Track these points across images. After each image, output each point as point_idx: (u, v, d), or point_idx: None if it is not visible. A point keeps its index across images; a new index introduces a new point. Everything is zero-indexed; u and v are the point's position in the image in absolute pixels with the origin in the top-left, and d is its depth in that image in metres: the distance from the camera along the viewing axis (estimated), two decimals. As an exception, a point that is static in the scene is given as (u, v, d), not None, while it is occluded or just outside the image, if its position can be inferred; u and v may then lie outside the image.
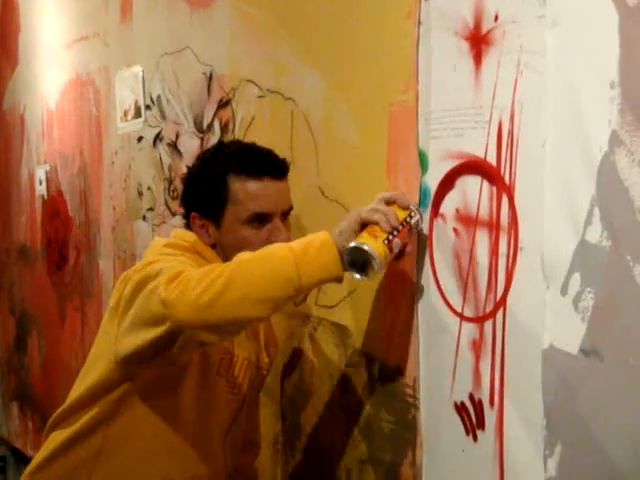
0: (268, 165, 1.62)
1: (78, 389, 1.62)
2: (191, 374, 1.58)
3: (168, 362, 1.50)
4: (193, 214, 1.64)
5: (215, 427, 1.66)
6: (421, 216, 1.50)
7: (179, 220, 2.30)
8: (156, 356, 1.44)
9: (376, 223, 1.38)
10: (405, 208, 1.46)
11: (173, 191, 2.55)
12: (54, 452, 1.63)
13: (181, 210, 1.73)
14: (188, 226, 1.67)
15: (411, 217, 1.46)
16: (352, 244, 1.37)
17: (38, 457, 1.67)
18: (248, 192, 1.58)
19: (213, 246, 1.63)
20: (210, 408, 1.63)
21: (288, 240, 1.56)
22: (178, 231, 1.69)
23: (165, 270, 1.38)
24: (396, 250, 1.41)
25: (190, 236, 1.63)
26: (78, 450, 1.60)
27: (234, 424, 1.71)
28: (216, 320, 1.32)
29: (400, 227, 1.42)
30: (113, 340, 1.51)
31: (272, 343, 1.85)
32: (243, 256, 1.38)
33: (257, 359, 1.75)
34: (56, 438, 1.63)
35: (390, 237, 1.39)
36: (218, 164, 1.62)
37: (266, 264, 1.35)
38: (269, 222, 1.59)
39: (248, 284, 1.32)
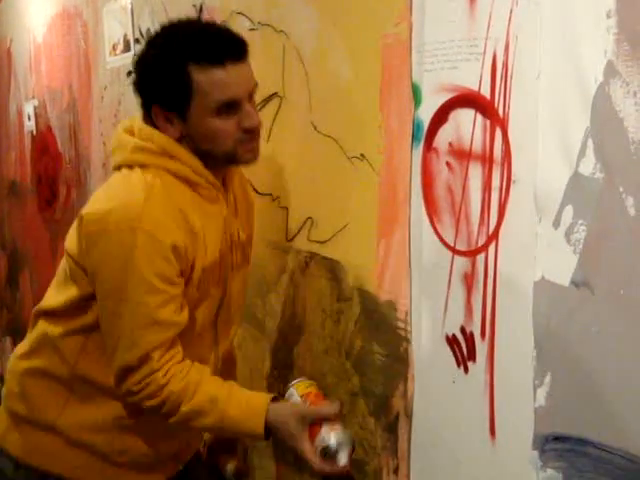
0: (228, 48, 1.53)
1: (65, 292, 1.62)
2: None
3: None
4: (155, 108, 1.57)
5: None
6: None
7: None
8: None
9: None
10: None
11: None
12: (42, 340, 1.66)
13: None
14: (148, 116, 1.59)
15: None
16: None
17: (29, 342, 1.70)
18: (213, 82, 1.51)
19: (180, 138, 1.57)
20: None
21: (259, 123, 1.58)
22: (143, 129, 1.60)
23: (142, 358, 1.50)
24: None
25: (159, 137, 1.57)
26: (67, 342, 1.62)
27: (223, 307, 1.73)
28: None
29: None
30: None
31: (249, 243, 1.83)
32: (211, 414, 1.54)
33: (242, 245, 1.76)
34: (45, 329, 1.65)
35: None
36: (175, 53, 1.52)
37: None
38: (238, 107, 1.55)
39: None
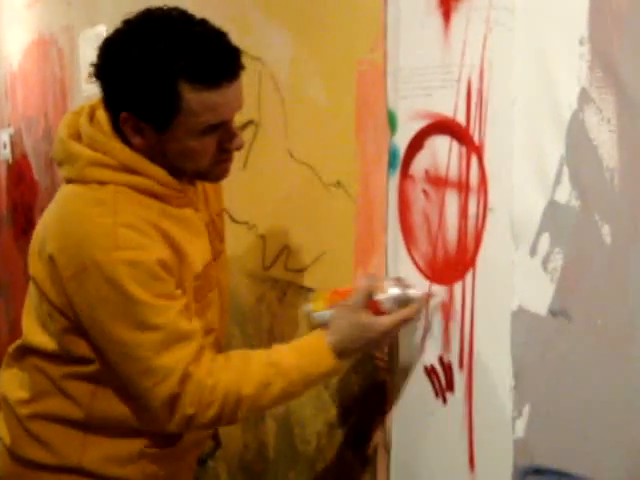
0: (225, 66, 1.36)
1: (51, 331, 1.46)
2: None
3: None
4: (126, 114, 1.37)
5: None
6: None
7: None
8: None
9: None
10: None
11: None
12: (43, 383, 1.51)
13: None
14: (112, 118, 1.41)
15: None
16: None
17: (25, 384, 1.54)
18: (205, 104, 1.35)
19: (147, 150, 1.41)
20: None
21: (242, 144, 1.46)
22: (98, 138, 1.42)
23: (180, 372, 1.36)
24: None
25: (120, 152, 1.40)
26: (75, 386, 1.48)
27: None
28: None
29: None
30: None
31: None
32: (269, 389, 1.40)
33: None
34: (42, 369, 1.51)
35: None
36: (164, 64, 1.32)
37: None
38: (223, 127, 1.40)
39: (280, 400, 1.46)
